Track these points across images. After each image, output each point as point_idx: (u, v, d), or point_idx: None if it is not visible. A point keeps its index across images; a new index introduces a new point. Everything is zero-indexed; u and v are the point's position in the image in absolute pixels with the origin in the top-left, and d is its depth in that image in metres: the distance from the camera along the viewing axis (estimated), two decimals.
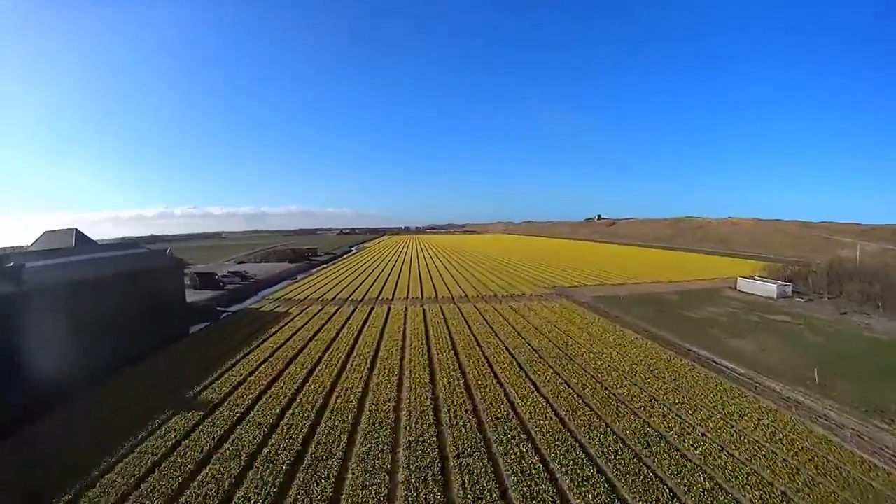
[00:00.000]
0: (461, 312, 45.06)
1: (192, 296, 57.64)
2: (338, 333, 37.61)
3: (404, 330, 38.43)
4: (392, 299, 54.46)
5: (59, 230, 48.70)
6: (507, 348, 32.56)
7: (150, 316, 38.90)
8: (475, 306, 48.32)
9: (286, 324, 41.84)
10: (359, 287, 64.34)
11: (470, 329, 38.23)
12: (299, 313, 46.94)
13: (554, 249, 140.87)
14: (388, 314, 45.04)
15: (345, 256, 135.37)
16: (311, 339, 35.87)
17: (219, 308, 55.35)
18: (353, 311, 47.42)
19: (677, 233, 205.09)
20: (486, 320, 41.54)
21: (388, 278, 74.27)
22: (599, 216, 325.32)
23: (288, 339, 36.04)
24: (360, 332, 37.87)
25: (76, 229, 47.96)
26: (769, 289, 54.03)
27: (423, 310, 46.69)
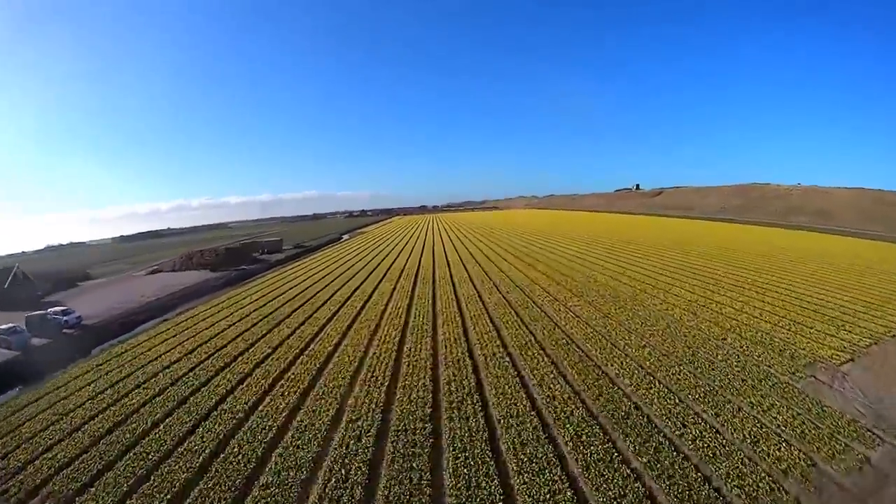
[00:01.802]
0: None
1: None
2: None
3: None
4: None
5: None
6: None
7: None
8: None
9: None
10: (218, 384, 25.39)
11: None
12: None
13: (631, 234, 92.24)
14: None
15: (320, 250, 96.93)
16: None
17: None
18: None
19: (749, 203, 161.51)
20: None
21: (321, 329, 34.40)
22: (637, 186, 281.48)
23: None
24: None
25: None
26: None
27: None
